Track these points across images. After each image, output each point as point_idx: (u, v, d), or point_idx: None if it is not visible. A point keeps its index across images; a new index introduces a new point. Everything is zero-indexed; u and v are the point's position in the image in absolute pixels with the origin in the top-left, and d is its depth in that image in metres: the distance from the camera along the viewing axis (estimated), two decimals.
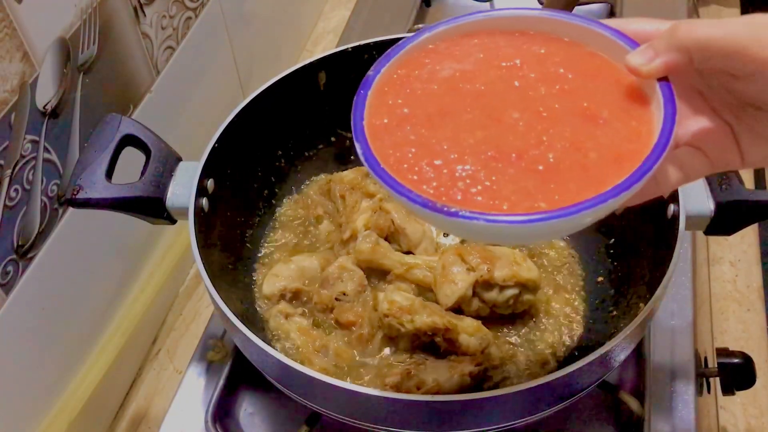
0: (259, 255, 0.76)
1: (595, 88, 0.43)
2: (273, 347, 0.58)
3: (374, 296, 0.69)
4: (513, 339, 0.69)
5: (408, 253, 0.73)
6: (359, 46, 0.76)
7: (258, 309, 0.72)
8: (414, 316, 0.64)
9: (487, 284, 0.66)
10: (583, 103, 0.43)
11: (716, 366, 0.74)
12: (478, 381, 0.63)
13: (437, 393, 0.61)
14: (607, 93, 0.43)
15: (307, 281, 0.71)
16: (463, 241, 0.76)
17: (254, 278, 0.74)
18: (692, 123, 0.43)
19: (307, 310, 0.70)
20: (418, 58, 0.46)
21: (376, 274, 0.72)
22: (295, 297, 0.71)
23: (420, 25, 1.05)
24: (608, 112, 0.42)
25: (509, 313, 0.69)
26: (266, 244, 0.77)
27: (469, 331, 0.65)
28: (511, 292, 0.67)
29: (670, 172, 0.44)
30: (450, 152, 0.41)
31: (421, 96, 0.45)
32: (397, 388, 0.62)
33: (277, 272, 0.72)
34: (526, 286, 0.67)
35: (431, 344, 0.66)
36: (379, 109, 0.45)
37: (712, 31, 0.39)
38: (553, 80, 0.44)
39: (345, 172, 0.81)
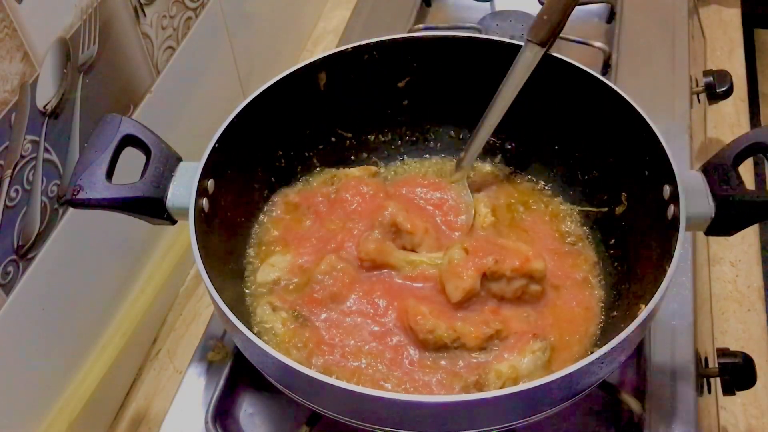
0: (259, 252, 0.76)
1: None
2: (256, 335, 0.58)
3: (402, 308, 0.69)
4: None
5: (411, 251, 0.73)
6: (359, 46, 0.76)
7: (247, 295, 0.72)
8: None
9: (495, 276, 0.66)
10: None
11: (717, 366, 0.74)
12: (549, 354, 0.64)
13: (516, 380, 0.62)
14: None
15: (307, 276, 0.71)
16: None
17: (254, 276, 0.74)
18: None
19: (297, 303, 0.69)
20: None
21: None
22: (286, 289, 0.71)
23: (420, 26, 1.05)
24: None
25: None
26: (266, 242, 0.77)
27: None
28: (518, 283, 0.67)
29: None
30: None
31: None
32: (479, 387, 0.62)
33: (274, 262, 0.72)
34: (533, 277, 0.67)
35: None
36: None
37: None
38: None
39: (352, 169, 0.81)
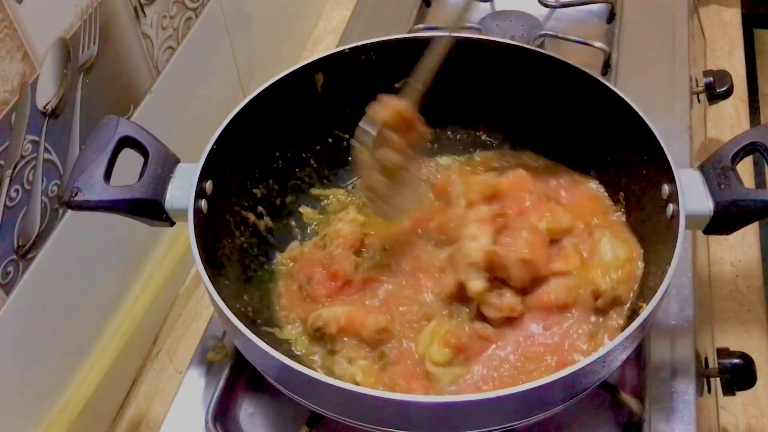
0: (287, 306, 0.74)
1: None
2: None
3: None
4: None
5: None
6: (357, 47, 0.76)
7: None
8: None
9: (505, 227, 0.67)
10: None
11: (717, 366, 0.74)
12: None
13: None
14: None
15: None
16: None
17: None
18: None
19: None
20: None
21: None
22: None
23: (420, 26, 1.05)
24: None
25: None
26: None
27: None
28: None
29: None
30: None
31: None
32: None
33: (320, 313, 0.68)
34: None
35: None
36: None
37: None
38: None
39: (340, 226, 0.75)
